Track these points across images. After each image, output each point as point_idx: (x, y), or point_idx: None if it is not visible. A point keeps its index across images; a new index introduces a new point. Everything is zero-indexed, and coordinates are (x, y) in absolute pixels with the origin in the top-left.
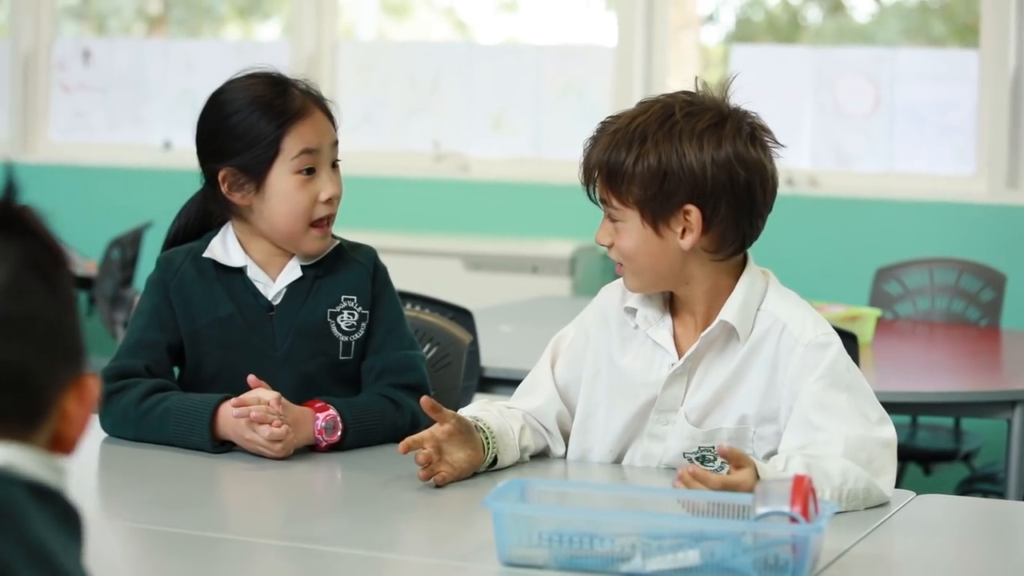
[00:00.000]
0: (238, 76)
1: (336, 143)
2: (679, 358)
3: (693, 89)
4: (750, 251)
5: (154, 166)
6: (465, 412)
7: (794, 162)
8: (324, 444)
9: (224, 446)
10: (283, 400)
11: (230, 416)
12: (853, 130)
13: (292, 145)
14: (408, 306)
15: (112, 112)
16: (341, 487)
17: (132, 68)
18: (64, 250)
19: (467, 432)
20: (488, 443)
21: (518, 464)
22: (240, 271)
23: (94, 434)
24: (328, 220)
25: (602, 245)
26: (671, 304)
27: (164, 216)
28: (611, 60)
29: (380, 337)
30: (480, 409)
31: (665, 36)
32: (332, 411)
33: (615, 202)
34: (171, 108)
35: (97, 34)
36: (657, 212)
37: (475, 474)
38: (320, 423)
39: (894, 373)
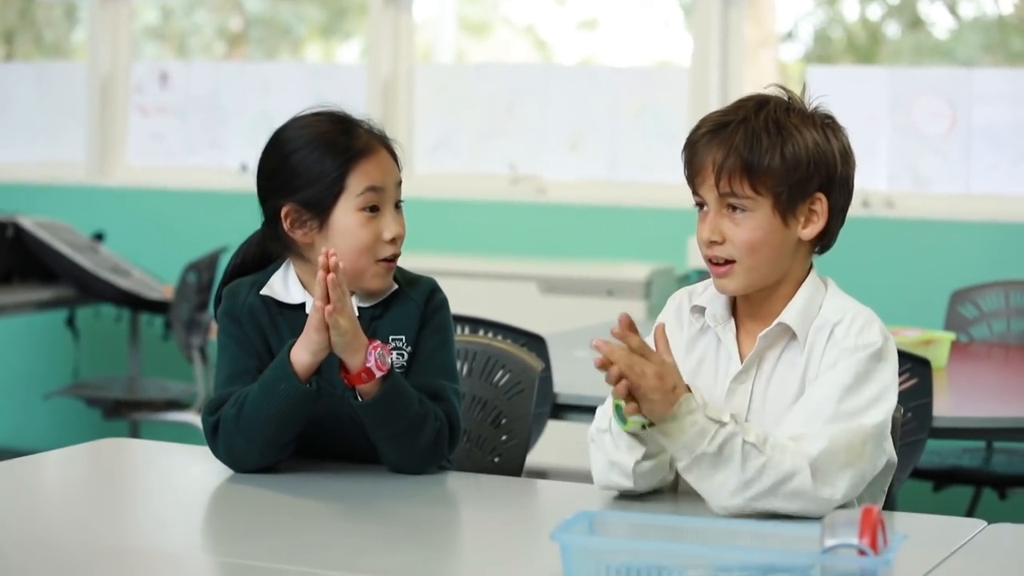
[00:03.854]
0: (302, 114)
1: (400, 183)
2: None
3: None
4: (815, 260)
5: (231, 189)
6: None
7: (870, 183)
8: (371, 364)
9: (313, 383)
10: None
11: (299, 344)
12: (930, 151)
13: (357, 182)
14: (480, 332)
15: (189, 135)
16: (409, 517)
17: (209, 91)
18: None
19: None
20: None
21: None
22: (300, 308)
23: (209, 474)
24: (392, 259)
25: (712, 241)
26: (734, 311)
27: (240, 240)
28: (686, 80)
29: (418, 363)
30: None
31: (741, 54)
32: (388, 350)
33: (747, 191)
34: (248, 131)
35: (177, 54)
36: (792, 200)
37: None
38: (378, 349)
39: (969, 397)
